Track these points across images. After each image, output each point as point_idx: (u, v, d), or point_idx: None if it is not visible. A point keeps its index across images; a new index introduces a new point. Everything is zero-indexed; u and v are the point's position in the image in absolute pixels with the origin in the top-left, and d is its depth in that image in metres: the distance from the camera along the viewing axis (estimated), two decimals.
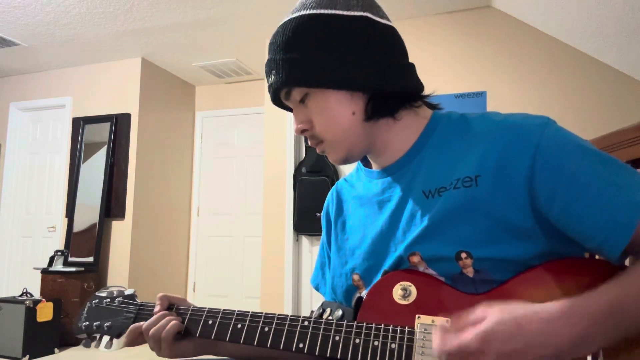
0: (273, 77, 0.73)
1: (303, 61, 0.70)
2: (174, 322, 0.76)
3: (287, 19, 0.73)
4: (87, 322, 0.83)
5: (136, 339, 0.78)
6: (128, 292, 0.85)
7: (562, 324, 0.53)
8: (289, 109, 0.79)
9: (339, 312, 0.76)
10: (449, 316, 0.64)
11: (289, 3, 3.27)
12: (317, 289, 0.94)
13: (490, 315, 0.55)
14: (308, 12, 0.71)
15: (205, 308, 0.78)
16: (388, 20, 0.75)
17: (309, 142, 0.78)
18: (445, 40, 3.48)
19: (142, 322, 0.78)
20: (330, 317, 0.76)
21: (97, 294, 0.87)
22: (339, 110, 0.72)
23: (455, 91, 3.37)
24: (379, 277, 0.74)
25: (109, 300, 0.85)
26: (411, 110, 0.75)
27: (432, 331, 0.62)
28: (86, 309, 0.86)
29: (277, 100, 0.78)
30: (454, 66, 3.43)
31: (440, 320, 0.64)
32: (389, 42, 0.73)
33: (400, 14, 3.52)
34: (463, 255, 0.65)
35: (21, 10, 3.48)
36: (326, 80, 0.70)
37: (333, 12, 0.70)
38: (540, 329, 0.53)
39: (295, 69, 0.70)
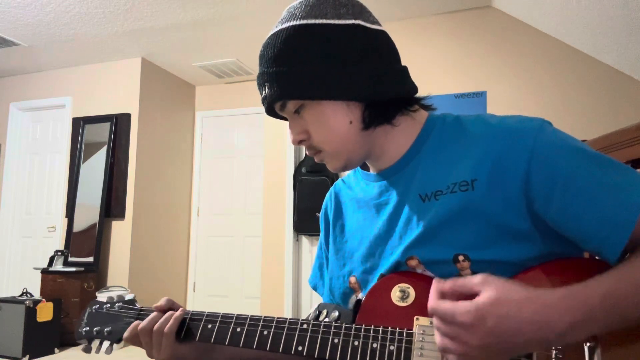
0: (267, 90, 0.71)
1: (296, 74, 0.68)
2: (176, 315, 0.77)
3: (276, 29, 0.71)
4: (88, 328, 0.84)
5: (137, 337, 0.79)
6: (128, 297, 0.86)
7: (563, 309, 0.53)
8: (284, 118, 0.78)
9: (336, 314, 0.76)
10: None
11: (289, 3, 3.27)
12: (314, 289, 0.94)
13: (489, 291, 0.54)
14: (298, 22, 0.69)
15: (205, 312, 0.78)
16: (379, 24, 0.73)
17: (307, 152, 0.77)
18: (446, 40, 3.48)
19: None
20: (326, 319, 0.76)
21: (97, 299, 0.88)
22: (335, 121, 0.71)
23: (455, 91, 3.37)
24: (375, 280, 0.74)
25: (108, 305, 0.85)
26: (407, 115, 0.75)
27: (432, 286, 0.60)
28: (86, 314, 0.86)
29: (271, 111, 0.76)
30: (454, 66, 3.43)
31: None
32: (383, 49, 0.71)
33: (400, 14, 3.52)
34: (460, 258, 0.66)
35: (21, 10, 3.48)
36: (321, 92, 0.69)
37: (324, 21, 0.68)
38: (539, 311, 0.53)
39: (288, 82, 0.69)
